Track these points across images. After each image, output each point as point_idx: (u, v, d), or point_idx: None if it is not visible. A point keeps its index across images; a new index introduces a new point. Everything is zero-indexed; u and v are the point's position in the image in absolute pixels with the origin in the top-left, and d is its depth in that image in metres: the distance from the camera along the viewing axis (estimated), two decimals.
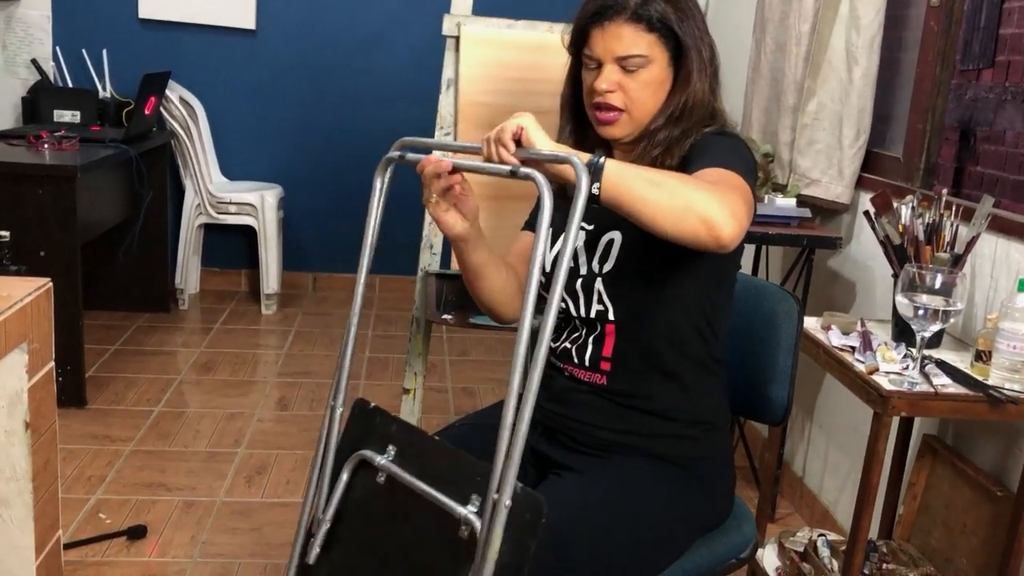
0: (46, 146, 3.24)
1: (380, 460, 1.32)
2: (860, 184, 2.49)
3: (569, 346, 1.47)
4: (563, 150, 1.21)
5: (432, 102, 2.14)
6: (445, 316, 1.89)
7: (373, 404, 1.37)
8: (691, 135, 1.40)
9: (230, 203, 4.23)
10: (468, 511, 1.18)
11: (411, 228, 4.57)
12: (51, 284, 1.60)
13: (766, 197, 2.51)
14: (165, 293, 4.20)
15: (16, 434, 1.54)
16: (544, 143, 1.20)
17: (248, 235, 4.42)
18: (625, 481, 1.39)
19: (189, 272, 4.32)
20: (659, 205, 1.18)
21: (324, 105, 4.57)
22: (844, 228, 2.55)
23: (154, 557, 2.27)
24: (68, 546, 2.22)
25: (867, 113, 2.44)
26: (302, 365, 3.69)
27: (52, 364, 1.62)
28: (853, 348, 1.80)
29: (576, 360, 1.45)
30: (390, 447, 1.32)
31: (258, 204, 4.23)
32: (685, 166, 1.37)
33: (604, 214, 1.42)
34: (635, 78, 1.39)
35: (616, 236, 1.41)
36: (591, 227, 1.45)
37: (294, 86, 4.54)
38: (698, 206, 1.18)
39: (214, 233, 4.50)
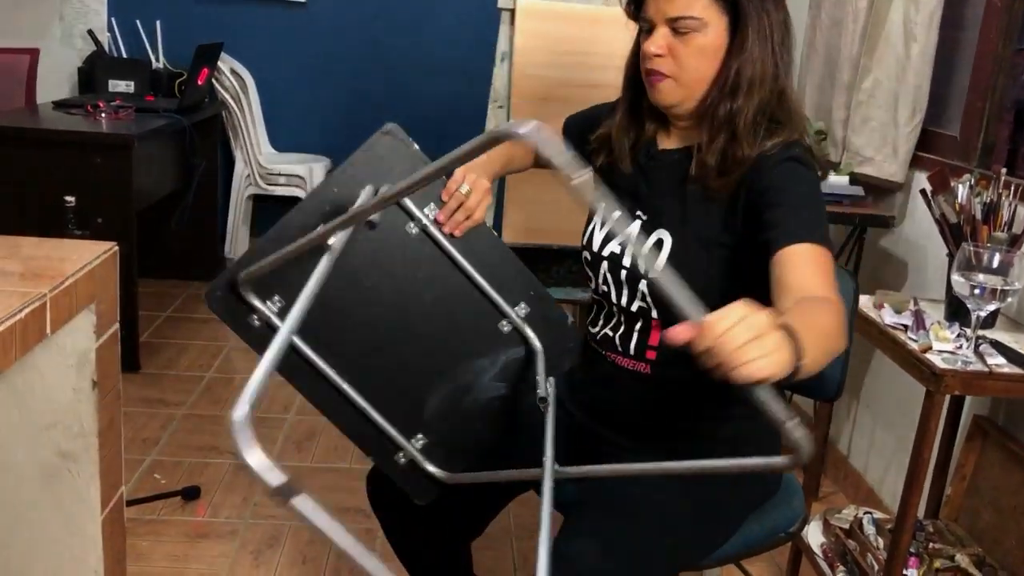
0: (103, 115, 3.30)
1: (423, 212, 1.25)
2: (914, 163, 2.47)
3: (610, 334, 1.46)
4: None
5: (482, 76, 2.15)
6: None
7: (415, 147, 1.31)
8: (753, 118, 1.31)
9: (279, 174, 4.29)
10: (517, 314, 1.22)
11: None
12: (117, 248, 1.64)
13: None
14: (215, 262, 4.27)
15: (84, 392, 1.60)
16: None
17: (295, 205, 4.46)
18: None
19: (238, 242, 4.39)
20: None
21: (373, 77, 4.59)
22: (897, 207, 2.52)
23: (207, 517, 2.33)
24: (127, 504, 2.28)
25: (924, 91, 2.40)
26: None
27: (117, 326, 1.67)
28: (906, 327, 1.79)
29: (620, 348, 1.44)
30: (431, 205, 1.26)
31: (306, 176, 4.27)
32: (762, 197, 1.28)
33: (658, 206, 1.41)
34: (687, 42, 1.32)
35: (666, 237, 1.38)
36: (645, 218, 1.42)
37: (343, 59, 4.57)
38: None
39: (263, 204, 4.56)
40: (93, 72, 4.16)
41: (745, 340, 0.88)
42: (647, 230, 1.41)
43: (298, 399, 3.07)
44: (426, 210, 1.23)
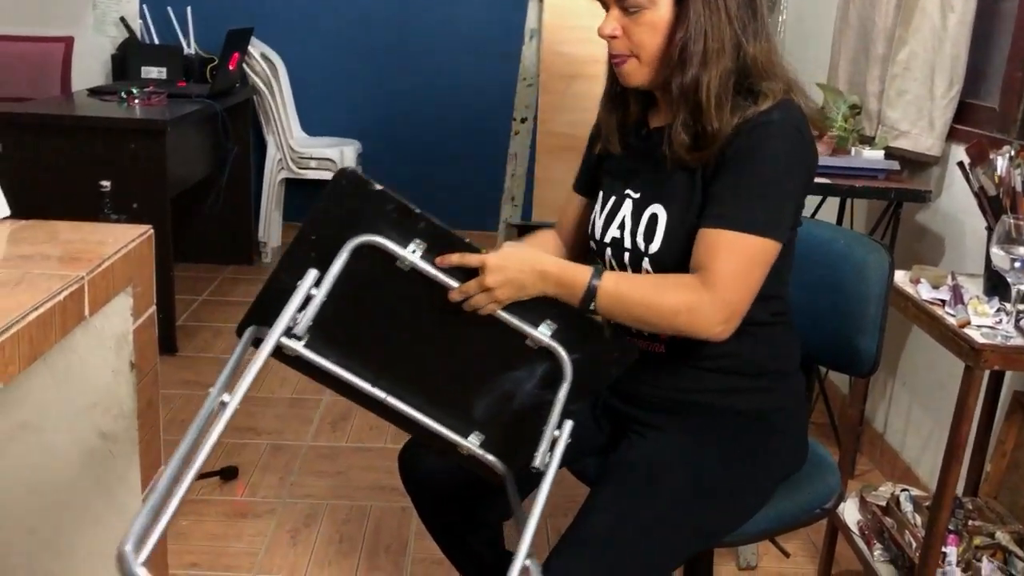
0: (136, 101, 3.33)
1: (408, 251, 1.18)
2: (951, 136, 2.42)
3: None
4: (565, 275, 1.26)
5: (511, 54, 2.14)
6: None
7: (377, 186, 1.17)
8: (717, 90, 1.28)
9: (310, 158, 4.31)
10: (543, 333, 1.25)
11: (490, 181, 4.62)
12: (152, 231, 1.66)
13: (852, 150, 2.46)
14: (249, 246, 4.31)
15: (122, 373, 1.62)
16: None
17: None
18: (701, 437, 1.40)
19: (271, 226, 4.42)
20: (651, 327, 1.33)
21: (402, 60, 4.59)
22: (933, 181, 2.48)
23: (246, 496, 2.36)
24: None
25: (961, 62, 2.36)
26: None
27: (154, 308, 1.69)
28: (943, 301, 1.77)
29: (633, 331, 1.44)
30: (416, 242, 1.18)
31: (337, 159, 4.29)
32: (722, 166, 1.29)
33: (649, 183, 1.41)
34: (638, 20, 1.31)
35: (660, 212, 1.37)
36: (637, 195, 1.42)
37: (372, 40, 4.57)
38: (685, 329, 1.27)
39: (294, 188, 4.58)
40: (126, 59, 4.20)
41: (476, 292, 1.21)
42: (640, 207, 1.41)
43: None
44: (412, 246, 1.19)
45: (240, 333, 1.37)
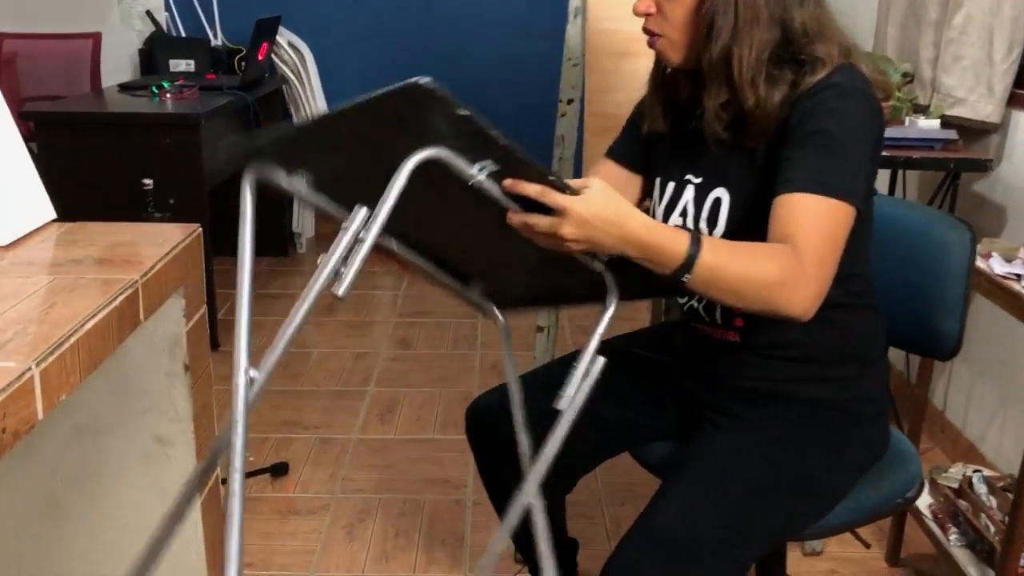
0: (168, 96, 3.30)
1: (475, 169, 1.00)
2: (1012, 102, 2.33)
3: (695, 304, 1.41)
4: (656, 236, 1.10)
5: (552, 34, 2.09)
6: None
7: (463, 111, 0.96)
8: (754, 64, 1.21)
9: None
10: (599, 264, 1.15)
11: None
12: (200, 230, 1.63)
13: (907, 119, 2.37)
14: (284, 238, 4.28)
15: (177, 376, 1.59)
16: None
17: None
18: (779, 428, 1.35)
19: (305, 217, 4.39)
20: (740, 301, 1.17)
21: (432, 41, 4.53)
22: (993, 149, 2.40)
23: (298, 493, 2.34)
24: None
25: (1021, 24, 2.26)
26: (420, 305, 3.73)
27: (205, 308, 1.66)
28: (1019, 276, 1.70)
29: (706, 319, 1.40)
30: (486, 162, 1.01)
31: None
32: (790, 135, 1.22)
33: (711, 166, 1.35)
34: None
35: (723, 196, 1.32)
36: (699, 180, 1.36)
37: (400, 24, 4.51)
38: (777, 303, 1.15)
39: None
40: (153, 53, 4.18)
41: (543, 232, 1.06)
42: (702, 192, 1.35)
43: (377, 370, 3.07)
44: (481, 164, 1.06)
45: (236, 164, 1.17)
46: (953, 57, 2.38)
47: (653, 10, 1.29)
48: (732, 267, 1.14)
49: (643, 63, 1.56)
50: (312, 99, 4.26)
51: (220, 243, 4.01)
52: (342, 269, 1.06)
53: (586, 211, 1.05)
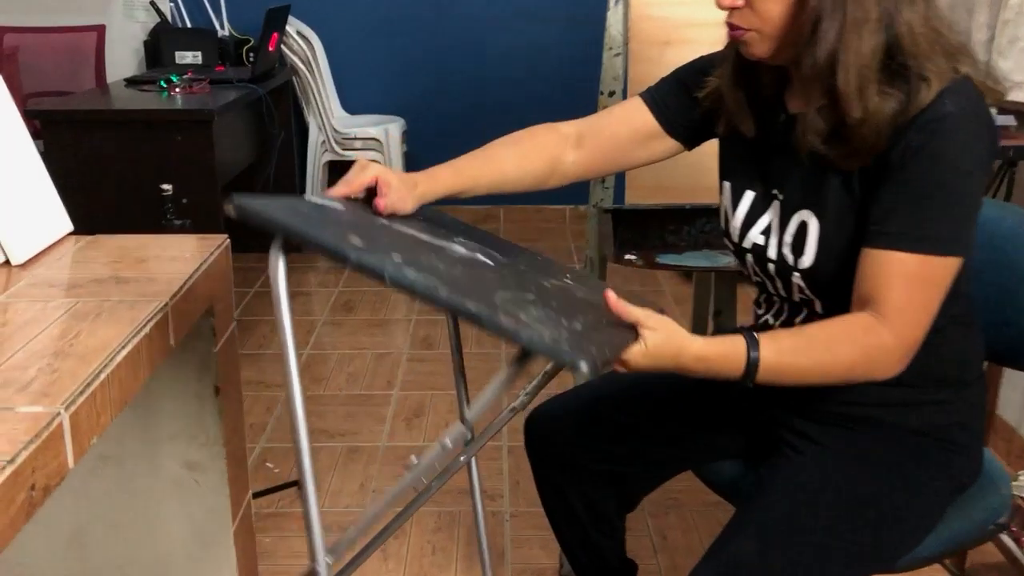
0: (177, 90, 3.18)
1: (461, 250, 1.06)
2: None
3: (772, 321, 1.30)
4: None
5: (591, 21, 1.97)
6: (629, 256, 1.75)
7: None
8: (860, 71, 1.06)
9: (355, 138, 4.15)
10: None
11: None
12: (228, 241, 1.52)
13: None
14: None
15: (207, 399, 1.49)
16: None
17: None
18: (866, 455, 1.24)
19: None
20: (821, 385, 1.16)
21: (452, 30, 4.39)
22: None
23: (327, 507, 2.24)
24: None
25: None
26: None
27: (234, 325, 1.55)
28: None
29: None
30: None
31: (382, 138, 4.13)
32: (886, 171, 1.09)
33: (797, 182, 1.21)
34: None
35: (811, 221, 1.18)
36: (782, 198, 1.23)
37: (416, 12, 4.37)
38: (861, 379, 1.13)
39: (337, 170, 4.43)
40: (158, 45, 4.05)
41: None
42: (786, 212, 1.22)
43: (400, 372, 2.97)
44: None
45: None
46: (1009, 39, 2.26)
47: (741, 3, 1.13)
48: (802, 360, 1.12)
49: (690, 51, 1.44)
50: (324, 91, 4.14)
51: (232, 240, 3.92)
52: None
53: (644, 360, 1.07)
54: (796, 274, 1.21)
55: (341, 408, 2.73)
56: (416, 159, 4.50)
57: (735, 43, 1.20)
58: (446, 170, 1.30)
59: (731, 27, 1.17)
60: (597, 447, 1.41)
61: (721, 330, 1.92)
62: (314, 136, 4.19)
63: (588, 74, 4.37)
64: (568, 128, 1.38)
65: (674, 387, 1.38)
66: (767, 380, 1.10)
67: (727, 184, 1.32)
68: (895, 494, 1.22)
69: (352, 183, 1.21)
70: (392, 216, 1.19)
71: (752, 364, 1.09)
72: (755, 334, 1.10)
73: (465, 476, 2.40)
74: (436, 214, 1.26)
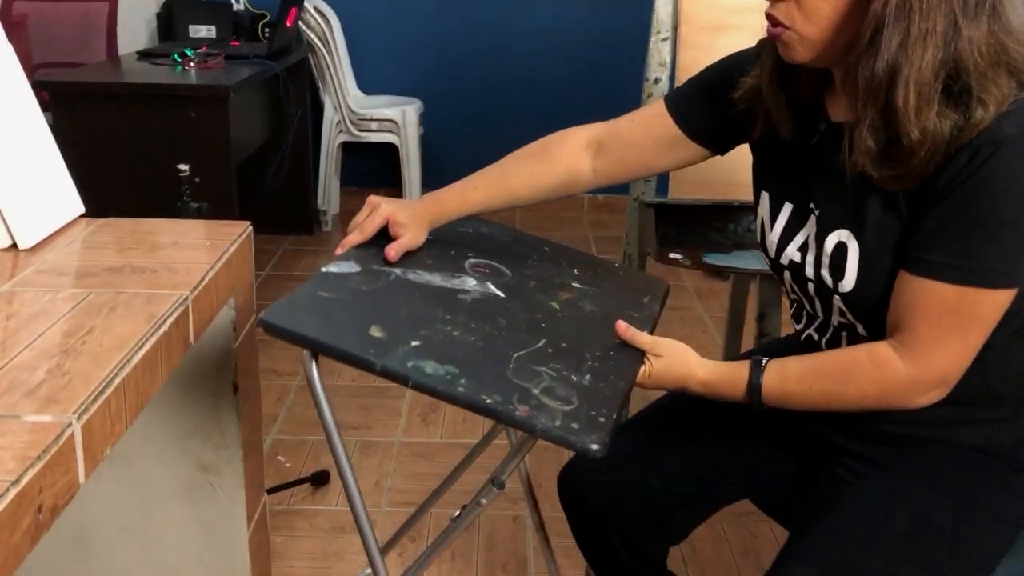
0: (192, 65, 3.07)
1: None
2: None
3: (816, 336, 1.21)
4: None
5: (636, 2, 1.86)
6: (674, 255, 1.64)
7: None
8: (918, 87, 0.95)
9: (371, 119, 4.04)
10: None
11: None
12: (251, 229, 1.41)
13: None
14: (308, 215, 4.07)
15: (224, 397, 1.39)
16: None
17: (385, 152, 4.23)
18: (927, 477, 1.14)
19: (331, 193, 4.17)
20: (835, 410, 1.14)
21: (465, 6, 4.27)
22: None
23: (341, 505, 2.15)
24: None
25: None
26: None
27: (255, 317, 1.45)
28: None
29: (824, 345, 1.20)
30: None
31: (399, 120, 4.02)
32: (934, 193, 0.99)
33: (833, 198, 1.09)
34: None
35: (850, 242, 1.08)
36: (818, 212, 1.12)
37: None
38: (876, 408, 1.10)
39: (352, 152, 4.32)
40: (172, 17, 3.95)
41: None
42: (823, 230, 1.11)
43: None
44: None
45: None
46: None
47: None
48: (807, 390, 1.10)
49: (744, 38, 1.33)
50: (340, 70, 4.02)
51: (248, 219, 3.81)
52: None
53: (650, 383, 1.15)
54: (837, 297, 1.12)
55: (354, 400, 2.64)
56: (433, 141, 4.39)
57: (772, 41, 1.08)
58: (454, 196, 1.31)
59: (771, 20, 1.05)
60: (640, 493, 1.31)
61: (763, 334, 1.82)
62: (329, 116, 4.08)
63: (616, 55, 4.30)
64: (587, 135, 1.33)
65: (714, 416, 1.28)
66: (776, 405, 1.12)
67: (765, 194, 1.22)
68: (962, 518, 1.12)
69: (365, 230, 1.26)
70: (405, 257, 1.26)
71: (755, 391, 1.10)
72: (764, 360, 1.11)
73: (479, 474, 2.31)
74: (447, 232, 1.33)
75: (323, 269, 1.19)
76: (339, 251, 1.26)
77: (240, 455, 1.41)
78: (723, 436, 1.32)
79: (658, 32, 1.76)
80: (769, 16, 1.05)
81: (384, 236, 1.26)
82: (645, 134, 1.29)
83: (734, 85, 1.19)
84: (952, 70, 0.96)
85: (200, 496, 1.43)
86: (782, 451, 1.31)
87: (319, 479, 2.21)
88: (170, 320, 1.05)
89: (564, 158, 1.32)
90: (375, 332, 1.07)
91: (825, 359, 1.11)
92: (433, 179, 4.39)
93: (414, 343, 1.06)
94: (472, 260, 1.30)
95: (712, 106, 1.23)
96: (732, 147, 1.29)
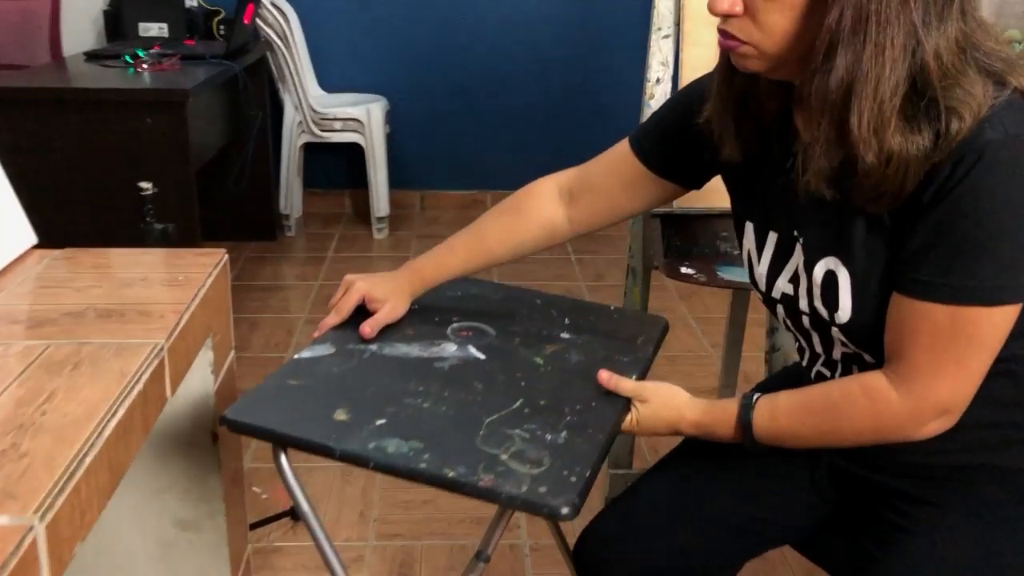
0: (145, 67, 2.89)
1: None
2: None
3: (827, 373, 1.12)
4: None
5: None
6: (686, 270, 1.52)
7: None
8: (878, 105, 0.88)
9: (334, 119, 3.87)
10: None
11: (560, 142, 4.14)
12: (227, 257, 1.27)
13: None
14: (271, 220, 3.89)
15: (202, 448, 1.25)
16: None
17: (349, 152, 4.07)
18: (983, 511, 1.05)
19: (293, 196, 4.00)
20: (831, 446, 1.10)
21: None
22: None
23: None
24: None
25: None
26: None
27: (233, 355, 1.31)
28: None
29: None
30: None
31: (364, 119, 3.85)
32: (918, 209, 0.92)
33: (815, 224, 1.02)
34: None
35: (838, 269, 1.00)
36: (802, 240, 1.04)
37: None
38: (875, 442, 1.03)
39: (314, 153, 4.15)
40: (120, 15, 3.73)
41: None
42: (811, 259, 1.03)
43: None
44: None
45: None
46: None
47: (739, 10, 0.93)
48: (798, 427, 1.04)
49: None
50: (300, 68, 3.84)
51: (208, 226, 3.63)
52: None
53: (638, 430, 1.12)
54: (835, 328, 1.04)
55: None
56: (400, 141, 4.23)
57: (727, 53, 1.00)
58: (432, 263, 1.29)
59: (724, 35, 0.97)
60: (667, 552, 1.20)
61: (774, 349, 1.71)
62: (290, 117, 3.90)
63: (592, 49, 4.17)
64: (557, 184, 1.30)
65: (740, 459, 1.17)
66: (771, 444, 1.06)
67: (750, 225, 1.13)
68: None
69: (342, 310, 1.25)
70: (384, 331, 1.24)
71: (746, 429, 1.06)
72: (755, 396, 1.06)
73: (470, 501, 2.18)
74: (433, 298, 1.32)
75: (295, 356, 1.17)
76: (316, 334, 1.23)
77: (222, 509, 1.27)
78: (753, 480, 1.21)
79: (659, 29, 1.63)
80: (722, 32, 0.97)
81: (365, 313, 1.25)
82: (612, 178, 1.24)
83: (696, 113, 1.11)
84: (915, 85, 0.89)
85: (178, 556, 1.29)
86: (817, 491, 1.21)
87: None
88: (145, 377, 0.91)
89: (538, 212, 1.28)
90: (340, 415, 1.05)
91: (815, 393, 1.04)
92: (399, 176, 4.24)
93: (379, 422, 1.03)
94: (456, 324, 1.29)
95: (676, 139, 1.17)
96: (706, 179, 1.23)
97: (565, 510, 0.91)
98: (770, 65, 0.97)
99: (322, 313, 1.31)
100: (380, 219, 3.98)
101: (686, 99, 1.17)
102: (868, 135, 0.89)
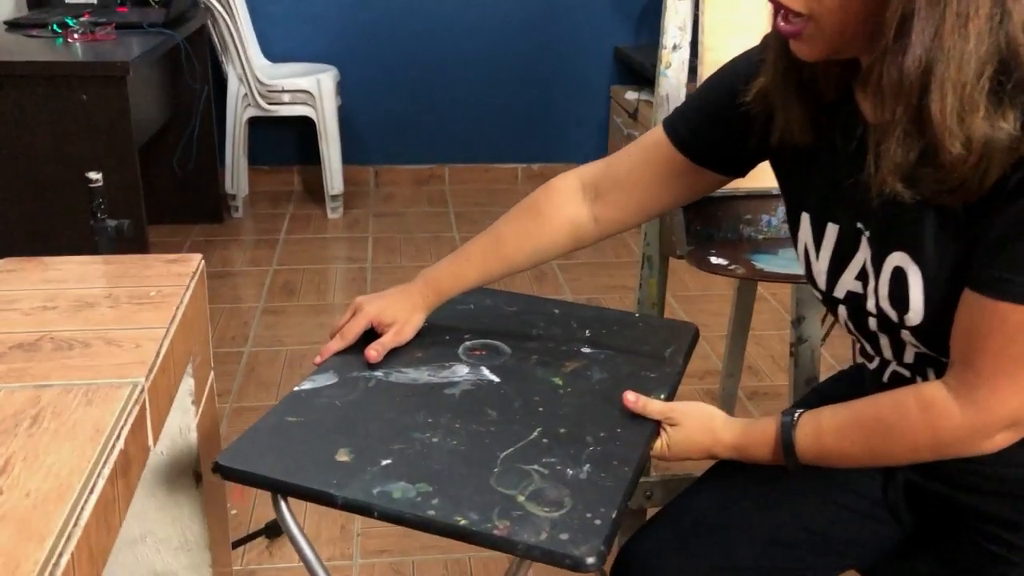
0: (75, 36, 2.62)
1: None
2: None
3: (904, 373, 1.01)
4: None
5: None
6: (716, 259, 1.36)
7: None
8: (955, 82, 0.78)
9: (282, 91, 3.62)
10: None
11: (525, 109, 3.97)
12: (203, 263, 1.07)
13: None
14: (216, 200, 3.64)
15: (184, 490, 1.06)
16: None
17: (300, 126, 3.83)
18: None
19: (239, 175, 3.74)
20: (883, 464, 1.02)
21: None
22: None
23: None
24: None
25: None
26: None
27: (212, 376, 1.12)
28: None
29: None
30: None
31: (314, 90, 3.61)
32: (996, 204, 0.82)
33: (882, 215, 0.90)
34: None
35: (908, 267, 0.90)
36: (868, 233, 0.93)
37: None
38: (931, 457, 0.92)
39: (261, 126, 3.90)
40: None
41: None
42: (878, 254, 0.92)
43: None
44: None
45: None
46: None
47: None
48: (847, 445, 0.95)
49: (760, 25, 1.06)
50: (243, 37, 3.58)
51: (148, 210, 3.38)
52: None
53: (670, 456, 1.04)
54: (905, 331, 0.92)
55: None
56: (353, 113, 4.00)
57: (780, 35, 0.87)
58: (447, 275, 1.18)
59: (777, 7, 0.84)
60: (715, 572, 1.08)
61: (801, 340, 1.57)
62: (234, 89, 3.63)
63: (551, 20, 3.99)
64: (579, 180, 1.17)
65: (797, 480, 1.05)
66: (816, 464, 0.98)
67: (806, 215, 1.01)
68: None
69: (347, 336, 1.15)
70: (391, 354, 1.14)
71: (789, 450, 0.97)
72: (796, 413, 0.97)
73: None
74: (445, 312, 1.22)
75: (295, 388, 1.06)
76: (318, 360, 1.12)
77: (207, 560, 1.09)
78: (813, 491, 1.09)
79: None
80: (776, 4, 0.84)
81: (373, 336, 1.15)
82: (643, 169, 1.12)
83: (740, 92, 0.99)
84: (1001, 63, 0.78)
85: None
86: (889, 508, 1.08)
87: (275, 531, 1.87)
88: (126, 430, 0.72)
89: (559, 212, 1.16)
90: (342, 456, 0.96)
91: (865, 407, 0.94)
92: (351, 151, 4.01)
93: (384, 462, 0.95)
94: (468, 343, 1.20)
95: (719, 122, 1.05)
96: (751, 166, 1.10)
97: (591, 560, 0.83)
98: (833, 47, 0.85)
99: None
100: (334, 197, 3.75)
101: (730, 77, 1.03)
102: (953, 123, 0.77)
